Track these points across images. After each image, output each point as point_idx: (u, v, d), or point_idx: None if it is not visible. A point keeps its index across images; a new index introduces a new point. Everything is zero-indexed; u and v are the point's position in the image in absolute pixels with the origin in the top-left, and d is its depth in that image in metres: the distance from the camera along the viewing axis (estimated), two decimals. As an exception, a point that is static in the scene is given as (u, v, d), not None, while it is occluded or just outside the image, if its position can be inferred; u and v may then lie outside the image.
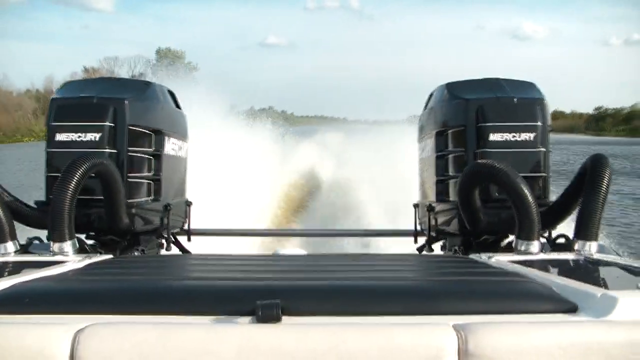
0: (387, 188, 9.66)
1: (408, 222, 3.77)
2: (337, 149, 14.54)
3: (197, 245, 3.59)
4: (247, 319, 1.46)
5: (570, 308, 1.57)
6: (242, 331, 1.41)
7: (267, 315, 1.42)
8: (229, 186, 9.18)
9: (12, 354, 1.36)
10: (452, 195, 3.02)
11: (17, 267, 2.16)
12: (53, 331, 1.39)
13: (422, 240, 3.54)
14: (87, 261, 2.24)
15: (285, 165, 13.56)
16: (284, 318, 1.44)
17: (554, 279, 1.83)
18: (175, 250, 3.42)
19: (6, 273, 2.08)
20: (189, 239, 3.61)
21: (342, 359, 1.35)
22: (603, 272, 2.19)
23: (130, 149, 2.88)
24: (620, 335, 1.38)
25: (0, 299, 1.62)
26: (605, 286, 1.78)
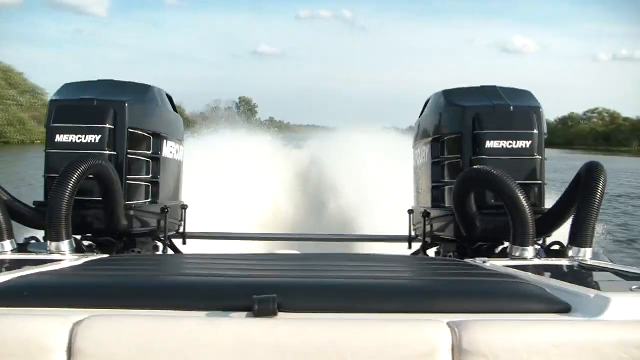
0: (378, 193, 9.80)
1: (397, 227, 3.79)
2: (328, 156, 14.68)
3: (192, 249, 3.59)
4: (243, 314, 1.48)
5: (563, 308, 1.59)
6: (238, 325, 1.42)
7: (264, 309, 1.43)
8: (229, 192, 9.49)
9: (10, 345, 1.37)
10: (448, 202, 3.04)
11: (14, 265, 2.17)
12: (51, 323, 1.40)
13: (416, 246, 3.56)
14: (85, 260, 2.25)
15: (282, 171, 13.72)
16: (281, 314, 1.45)
17: (547, 282, 1.85)
18: (170, 253, 3.43)
19: (4, 270, 2.09)
20: (184, 242, 3.62)
21: (338, 353, 1.36)
22: (597, 276, 2.21)
23: (129, 151, 2.90)
24: (612, 334, 1.40)
25: None
26: (599, 289, 1.81)
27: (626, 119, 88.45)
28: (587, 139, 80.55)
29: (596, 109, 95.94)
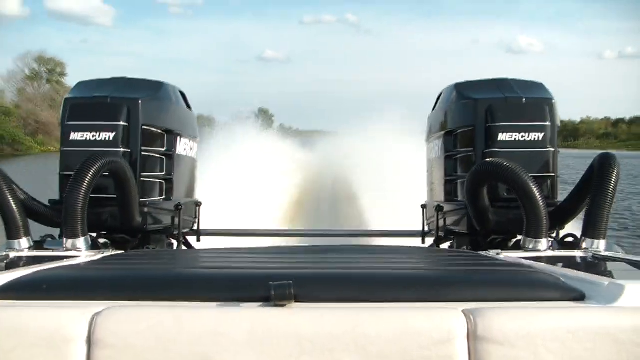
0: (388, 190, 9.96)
1: (410, 224, 3.79)
2: (339, 158, 14.83)
3: (206, 246, 3.60)
4: (259, 303, 1.49)
5: (577, 296, 1.59)
6: (255, 314, 1.43)
7: (281, 295, 1.44)
8: (246, 193, 9.89)
9: (32, 335, 1.39)
10: (461, 196, 3.03)
11: (32, 261, 2.20)
12: (71, 314, 1.43)
13: (429, 240, 3.55)
14: (101, 255, 2.27)
15: (295, 173, 13.89)
16: (297, 304, 1.46)
17: (561, 271, 1.85)
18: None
19: (22, 266, 2.12)
20: (198, 239, 3.62)
21: (356, 341, 1.37)
22: (610, 266, 2.20)
23: (143, 148, 2.91)
24: (627, 320, 1.40)
25: (19, 285, 1.66)
26: (612, 277, 1.80)
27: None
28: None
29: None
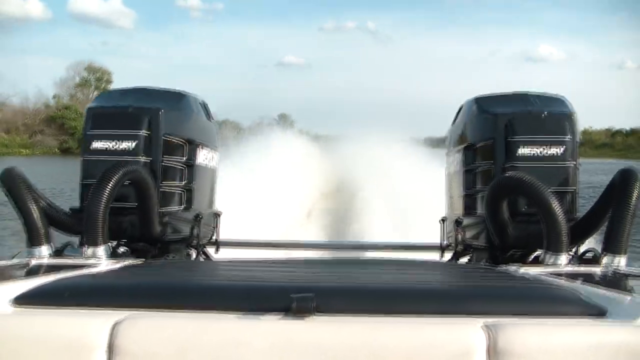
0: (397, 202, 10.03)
1: (429, 236, 3.78)
2: (358, 165, 14.83)
3: (225, 257, 3.62)
4: (280, 314, 1.49)
5: (598, 312, 1.58)
6: (275, 325, 1.44)
7: (302, 307, 1.45)
8: (265, 199, 10.02)
9: (53, 343, 1.41)
10: (480, 209, 3.01)
11: (53, 268, 2.22)
12: (92, 322, 1.44)
13: (448, 255, 3.54)
14: (121, 264, 2.29)
15: (313, 180, 13.94)
16: (317, 315, 1.46)
17: (582, 287, 1.83)
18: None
19: (43, 273, 2.14)
20: (217, 250, 3.64)
21: (374, 353, 1.37)
22: (632, 282, 2.17)
23: (164, 158, 2.93)
24: None
25: (40, 293, 1.68)
26: (634, 293, 1.78)
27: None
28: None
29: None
